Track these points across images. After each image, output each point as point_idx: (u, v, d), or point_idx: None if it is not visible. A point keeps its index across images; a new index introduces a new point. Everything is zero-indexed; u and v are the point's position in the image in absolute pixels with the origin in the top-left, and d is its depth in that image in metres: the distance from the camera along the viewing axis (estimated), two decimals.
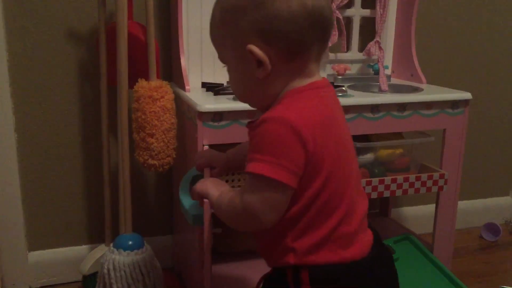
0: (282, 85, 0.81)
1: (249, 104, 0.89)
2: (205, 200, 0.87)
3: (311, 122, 0.76)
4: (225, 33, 0.81)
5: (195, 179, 1.08)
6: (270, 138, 0.74)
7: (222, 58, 0.86)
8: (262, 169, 0.74)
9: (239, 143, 1.23)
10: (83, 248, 1.62)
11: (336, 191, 0.79)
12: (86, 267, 1.46)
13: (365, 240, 0.84)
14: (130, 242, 1.32)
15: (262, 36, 0.77)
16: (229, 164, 1.05)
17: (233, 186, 1.22)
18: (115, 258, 1.29)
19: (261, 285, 0.90)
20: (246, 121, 1.22)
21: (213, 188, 0.88)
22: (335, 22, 1.63)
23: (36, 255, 1.58)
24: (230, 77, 0.86)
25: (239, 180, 1.30)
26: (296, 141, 0.74)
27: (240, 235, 1.47)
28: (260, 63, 0.78)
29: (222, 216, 0.84)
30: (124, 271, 1.28)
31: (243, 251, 1.46)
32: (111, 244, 1.34)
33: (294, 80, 0.80)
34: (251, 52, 0.77)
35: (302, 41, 0.77)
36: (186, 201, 0.94)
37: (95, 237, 1.62)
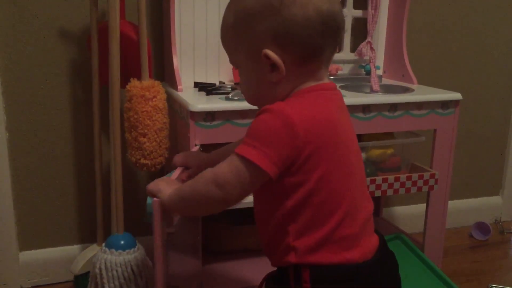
0: (292, 88, 0.82)
1: (258, 106, 0.90)
2: (154, 198, 0.87)
3: (309, 120, 0.77)
4: (239, 37, 0.82)
5: None
6: (262, 126, 0.76)
7: (234, 61, 0.87)
8: (245, 151, 0.76)
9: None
10: (74, 248, 1.61)
11: (335, 191, 0.80)
12: (78, 267, 1.45)
13: (370, 244, 0.84)
14: (122, 242, 1.32)
15: (278, 41, 0.78)
16: (208, 165, 1.04)
17: None
18: (107, 257, 1.29)
19: (264, 284, 0.90)
20: (238, 121, 1.23)
21: (166, 186, 0.87)
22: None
23: (27, 255, 1.57)
24: (242, 80, 0.87)
25: None
26: (286, 134, 0.75)
27: (233, 234, 1.48)
28: (274, 67, 0.79)
29: (180, 203, 0.84)
30: (116, 271, 1.28)
31: (235, 250, 1.47)
32: (103, 244, 1.33)
33: (304, 82, 0.82)
34: (266, 57, 0.78)
35: (316, 46, 0.79)
36: (149, 199, 0.95)
37: (86, 237, 1.62)
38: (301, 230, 0.80)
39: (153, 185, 0.89)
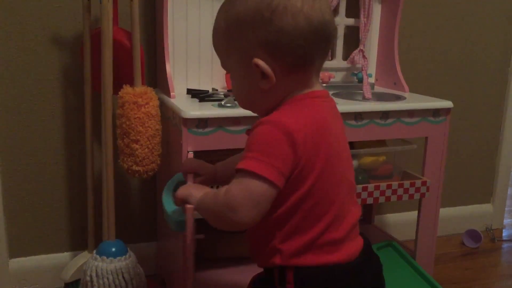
0: (284, 95, 0.82)
1: (251, 110, 0.90)
2: (187, 205, 0.87)
3: (304, 128, 0.77)
4: (230, 44, 0.82)
5: (179, 186, 1.07)
6: (263, 138, 0.76)
7: (225, 66, 0.88)
8: (251, 165, 0.75)
9: (224, 150, 1.24)
10: (65, 255, 1.60)
11: (325, 197, 0.80)
12: (69, 275, 1.44)
13: (354, 247, 0.85)
14: (113, 249, 1.31)
15: (268, 50, 0.78)
16: (216, 175, 1.05)
17: None
18: (98, 265, 1.28)
19: (251, 284, 0.91)
20: (231, 128, 1.23)
21: (196, 190, 0.87)
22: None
23: (17, 262, 1.56)
24: (233, 84, 0.87)
25: None
26: (287, 143, 0.75)
27: (226, 241, 1.47)
28: (264, 75, 0.80)
29: (204, 213, 0.84)
30: (107, 278, 1.27)
31: (228, 257, 1.46)
32: (94, 251, 1.33)
33: (295, 90, 0.82)
34: (257, 66, 0.79)
35: (307, 55, 0.79)
36: (169, 207, 0.94)
37: (77, 244, 1.61)
38: (289, 233, 0.81)
39: (183, 190, 0.89)
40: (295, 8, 0.76)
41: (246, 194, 0.76)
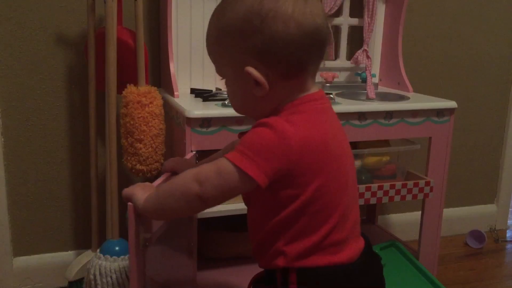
0: (280, 100, 0.81)
1: (246, 115, 0.90)
2: (129, 203, 0.87)
3: (305, 137, 0.76)
4: (222, 52, 0.82)
5: None
6: (257, 138, 0.76)
7: (219, 72, 0.87)
8: (234, 157, 0.75)
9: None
10: (69, 254, 1.61)
11: (330, 201, 0.80)
12: (72, 273, 1.44)
13: (356, 246, 0.85)
14: (117, 248, 1.31)
15: (260, 58, 0.77)
16: None
17: None
18: (102, 263, 1.28)
19: (252, 284, 0.91)
20: (234, 127, 1.23)
21: (140, 191, 0.86)
22: (332, 37, 1.65)
23: (21, 261, 1.56)
24: (228, 90, 0.87)
25: None
26: (280, 149, 0.75)
27: (229, 241, 1.47)
28: (258, 83, 0.79)
29: (157, 206, 0.83)
30: (111, 277, 1.27)
31: (230, 257, 1.46)
32: (98, 250, 1.33)
33: (291, 95, 0.81)
34: (249, 74, 0.78)
35: (300, 62, 0.78)
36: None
37: (81, 243, 1.61)
38: (293, 236, 0.80)
39: (127, 190, 0.88)
40: (285, 15, 0.75)
41: (218, 172, 0.76)
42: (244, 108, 0.87)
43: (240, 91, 0.83)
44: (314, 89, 0.84)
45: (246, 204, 0.89)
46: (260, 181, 0.75)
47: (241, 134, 0.84)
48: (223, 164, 0.76)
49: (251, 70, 0.78)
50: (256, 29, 0.76)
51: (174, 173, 1.04)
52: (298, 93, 0.82)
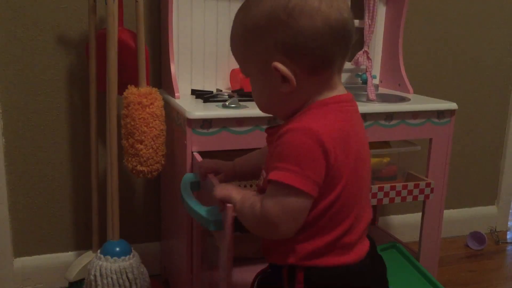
0: (306, 98, 0.81)
1: (272, 114, 0.90)
2: (228, 204, 0.86)
3: (335, 136, 0.76)
4: (248, 49, 0.81)
5: (193, 186, 1.08)
6: (296, 148, 0.75)
7: (244, 71, 0.87)
8: (286, 178, 0.74)
9: (228, 150, 1.24)
10: (69, 255, 1.61)
11: (348, 203, 0.80)
12: (73, 274, 1.45)
13: (362, 247, 0.85)
14: (118, 249, 1.31)
15: (287, 53, 0.77)
16: (235, 172, 1.04)
17: None
18: (102, 264, 1.28)
19: (256, 281, 0.91)
20: (235, 128, 1.24)
21: (235, 191, 0.86)
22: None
23: (22, 261, 1.56)
24: (253, 89, 0.86)
25: (251, 185, 1.30)
26: (320, 152, 0.74)
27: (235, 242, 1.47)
28: (285, 79, 0.78)
29: (243, 220, 0.84)
30: (111, 278, 1.27)
31: (234, 257, 1.46)
32: (98, 251, 1.33)
33: (318, 93, 0.81)
34: (276, 70, 0.78)
35: (327, 56, 0.78)
36: (200, 208, 0.94)
37: (82, 244, 1.62)
38: (310, 236, 0.80)
39: (223, 190, 0.87)
40: (312, 8, 0.75)
41: (284, 210, 0.75)
42: (270, 106, 0.86)
43: (266, 89, 0.82)
44: (342, 90, 0.83)
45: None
46: (314, 194, 0.75)
47: (270, 128, 0.83)
48: (279, 193, 0.75)
49: (279, 65, 0.77)
50: (282, 23, 0.76)
51: (216, 173, 1.03)
52: (325, 90, 0.81)
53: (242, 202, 0.83)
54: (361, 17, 1.68)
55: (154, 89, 1.30)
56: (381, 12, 1.71)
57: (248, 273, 0.96)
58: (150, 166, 1.29)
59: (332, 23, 0.76)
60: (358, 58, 1.66)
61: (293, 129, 0.76)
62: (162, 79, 1.57)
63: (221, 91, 1.49)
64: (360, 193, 0.82)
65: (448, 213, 1.92)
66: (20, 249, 1.56)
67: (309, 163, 0.74)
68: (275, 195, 0.76)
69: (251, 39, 0.80)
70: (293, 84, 0.78)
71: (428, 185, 1.45)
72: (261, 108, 0.87)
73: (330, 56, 0.78)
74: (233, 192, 0.86)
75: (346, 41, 0.79)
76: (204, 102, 1.35)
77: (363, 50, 1.66)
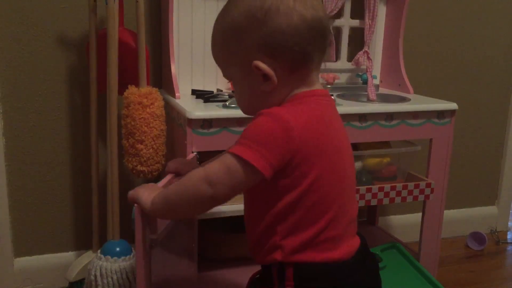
0: (285, 94, 0.83)
1: (254, 115, 0.90)
2: (136, 205, 0.87)
3: (304, 125, 0.78)
4: (229, 51, 0.84)
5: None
6: (261, 129, 0.77)
7: (226, 75, 0.89)
8: (241, 152, 0.76)
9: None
10: (70, 255, 1.61)
11: (327, 195, 0.81)
12: (73, 274, 1.45)
13: (351, 245, 0.86)
14: (118, 249, 1.31)
15: (267, 51, 0.80)
16: None
17: None
18: (103, 264, 1.29)
19: (249, 282, 0.92)
20: (235, 128, 1.24)
21: (146, 192, 0.87)
22: (333, 38, 1.65)
23: (22, 261, 1.56)
24: (236, 92, 0.88)
25: None
26: (282, 137, 0.76)
27: (229, 242, 1.47)
28: (266, 77, 0.81)
29: (166, 207, 0.84)
30: (112, 278, 1.27)
31: (231, 258, 1.46)
32: (99, 251, 1.33)
33: (297, 88, 0.83)
34: (257, 68, 0.80)
35: (305, 52, 0.80)
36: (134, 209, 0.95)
37: (82, 244, 1.62)
38: (290, 230, 0.81)
39: (133, 192, 0.90)
40: (288, 7, 0.78)
41: (227, 170, 0.77)
42: (252, 107, 0.87)
43: (248, 90, 0.84)
44: (318, 86, 0.85)
45: (244, 195, 0.89)
46: (266, 173, 0.76)
47: None
48: (231, 162, 0.77)
49: (259, 64, 0.80)
50: (260, 22, 0.78)
51: (177, 174, 1.04)
52: (303, 86, 0.83)
53: (162, 193, 0.84)
54: (361, 17, 1.68)
55: (155, 89, 1.30)
56: (382, 12, 1.72)
57: (244, 274, 0.96)
58: (150, 166, 1.29)
59: (309, 20, 0.79)
60: (358, 58, 1.66)
61: (264, 113, 0.78)
62: (162, 79, 1.57)
63: (221, 91, 1.49)
64: (339, 187, 0.83)
65: (448, 213, 1.92)
66: (20, 249, 1.56)
67: (268, 145, 0.76)
68: (224, 161, 0.78)
69: (231, 40, 0.82)
70: (274, 81, 0.81)
71: (428, 185, 1.45)
72: (244, 110, 0.89)
73: (309, 53, 0.81)
74: (143, 192, 0.87)
75: (323, 37, 0.82)
76: (204, 102, 1.35)
77: (363, 50, 1.66)
